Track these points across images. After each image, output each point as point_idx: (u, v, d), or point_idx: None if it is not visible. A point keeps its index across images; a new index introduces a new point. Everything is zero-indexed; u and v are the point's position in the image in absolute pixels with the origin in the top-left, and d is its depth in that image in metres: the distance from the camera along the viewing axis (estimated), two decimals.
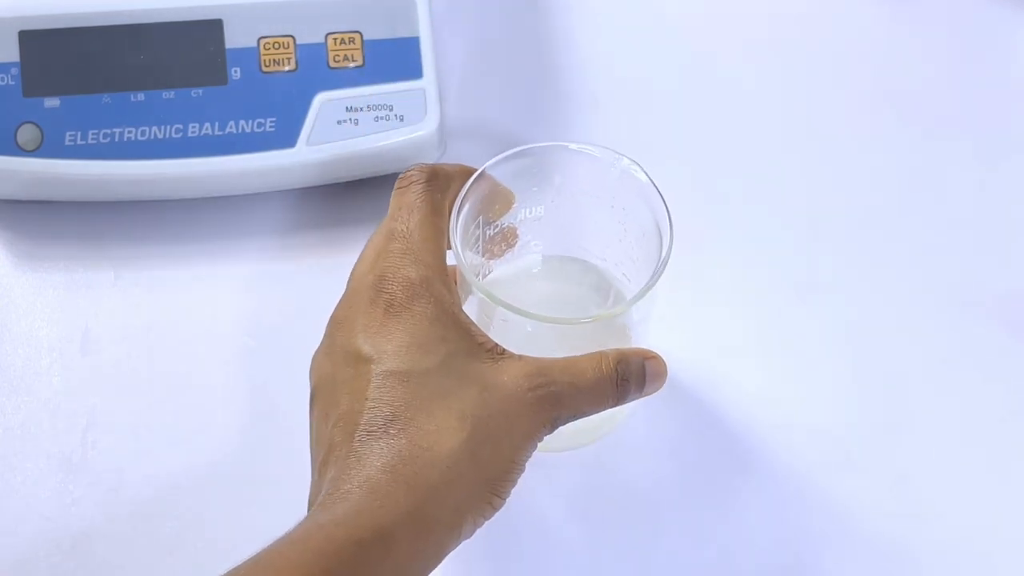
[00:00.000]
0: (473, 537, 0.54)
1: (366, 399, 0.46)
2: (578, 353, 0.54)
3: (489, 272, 0.58)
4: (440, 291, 0.48)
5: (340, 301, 0.51)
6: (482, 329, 0.52)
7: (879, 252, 0.65)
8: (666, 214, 0.52)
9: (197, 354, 0.61)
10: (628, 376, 0.50)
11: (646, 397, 0.52)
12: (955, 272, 0.65)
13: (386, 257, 0.49)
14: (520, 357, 0.48)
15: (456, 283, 0.52)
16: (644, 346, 0.56)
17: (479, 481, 0.46)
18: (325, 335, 0.50)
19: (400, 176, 0.52)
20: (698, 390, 0.60)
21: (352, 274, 0.51)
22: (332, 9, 0.63)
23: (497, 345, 0.48)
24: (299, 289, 0.63)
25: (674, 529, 0.57)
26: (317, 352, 0.50)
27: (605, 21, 0.73)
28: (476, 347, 0.48)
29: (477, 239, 0.55)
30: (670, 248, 0.51)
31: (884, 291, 0.64)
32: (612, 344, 0.55)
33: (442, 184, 0.52)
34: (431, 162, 0.64)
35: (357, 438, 0.45)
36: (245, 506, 0.57)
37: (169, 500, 0.57)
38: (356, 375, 0.47)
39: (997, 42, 0.74)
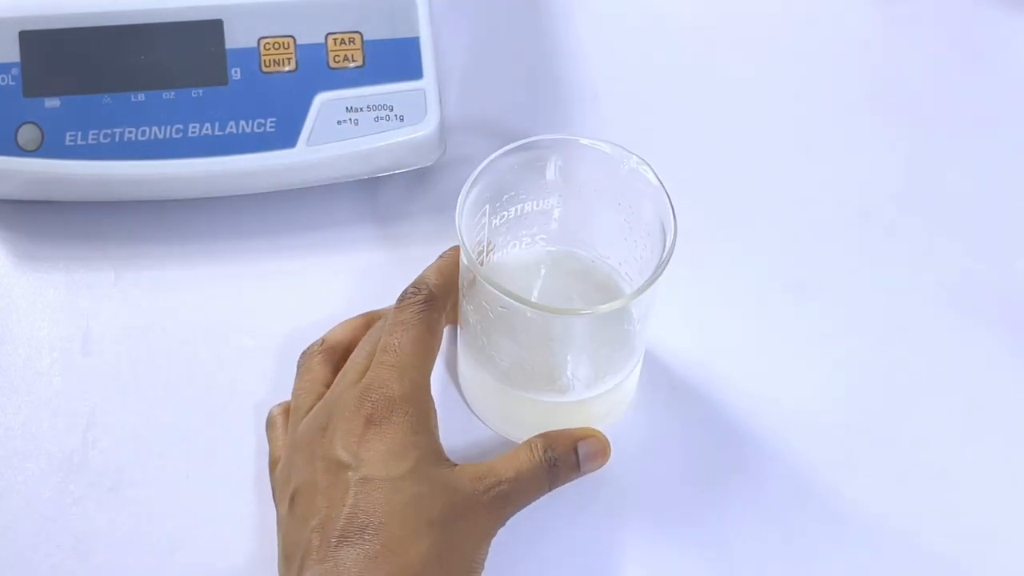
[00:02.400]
0: None
1: (344, 505, 0.48)
2: (574, 347, 0.55)
3: (492, 261, 0.58)
4: (418, 406, 0.52)
5: (323, 402, 0.53)
6: (480, 318, 0.53)
7: (879, 252, 0.65)
8: (671, 212, 0.52)
9: (197, 354, 0.61)
10: (555, 460, 0.53)
11: (589, 473, 0.55)
12: (955, 272, 0.65)
13: (376, 368, 0.52)
14: (472, 467, 0.51)
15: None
16: (641, 343, 0.56)
17: None
18: (305, 437, 0.52)
19: (403, 291, 0.55)
20: (698, 389, 0.60)
21: (343, 372, 0.54)
22: (332, 9, 0.63)
23: (450, 459, 0.52)
24: (299, 289, 0.63)
25: (673, 528, 0.57)
26: (294, 456, 0.52)
27: (604, 21, 0.73)
28: (441, 455, 0.51)
29: (483, 227, 0.55)
30: (673, 245, 0.51)
31: (884, 291, 0.64)
32: (609, 339, 0.56)
33: (440, 304, 0.54)
34: (431, 161, 0.65)
35: (334, 543, 0.48)
36: (245, 505, 0.57)
37: (169, 500, 0.57)
38: (335, 482, 0.49)
39: (994, 43, 0.74)
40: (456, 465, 0.51)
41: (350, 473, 0.49)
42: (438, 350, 0.54)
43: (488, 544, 0.51)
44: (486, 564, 0.51)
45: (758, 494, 0.58)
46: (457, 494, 0.50)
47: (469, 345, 0.57)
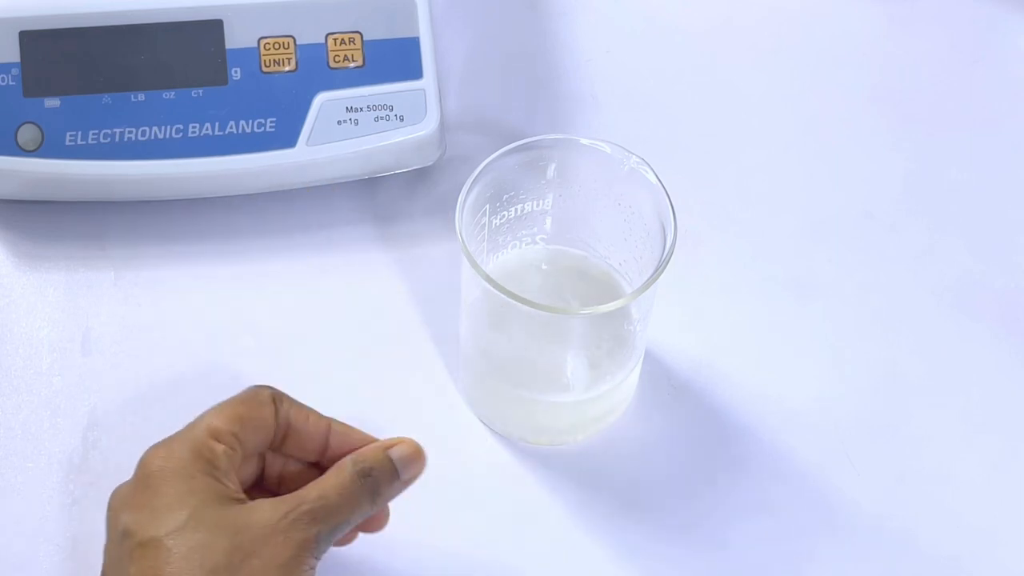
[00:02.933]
0: (470, 533, 0.54)
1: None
2: (573, 347, 0.55)
3: (493, 261, 0.58)
4: (194, 445, 0.50)
5: None
6: (480, 318, 0.53)
7: (879, 252, 0.65)
8: (671, 213, 0.52)
9: (197, 354, 0.61)
10: (369, 472, 0.50)
11: (411, 482, 0.52)
12: (954, 272, 0.65)
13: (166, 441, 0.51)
14: (273, 498, 0.49)
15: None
16: (641, 343, 0.56)
17: None
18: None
19: None
20: (698, 389, 0.60)
21: None
22: (332, 9, 0.63)
23: (245, 497, 0.50)
24: (299, 289, 0.63)
25: (672, 528, 0.57)
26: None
27: (604, 21, 0.73)
28: (226, 494, 0.49)
29: (483, 227, 0.55)
30: (673, 245, 0.51)
31: (885, 290, 0.64)
32: (609, 339, 0.56)
33: (268, 396, 0.52)
34: (431, 161, 0.65)
35: None
36: None
37: None
38: (122, 553, 0.49)
39: (994, 43, 0.74)
40: (252, 501, 0.49)
41: (131, 540, 0.48)
42: (244, 416, 0.51)
43: (299, 570, 0.48)
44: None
45: (758, 494, 0.58)
46: (245, 532, 0.48)
47: (469, 345, 0.57)
